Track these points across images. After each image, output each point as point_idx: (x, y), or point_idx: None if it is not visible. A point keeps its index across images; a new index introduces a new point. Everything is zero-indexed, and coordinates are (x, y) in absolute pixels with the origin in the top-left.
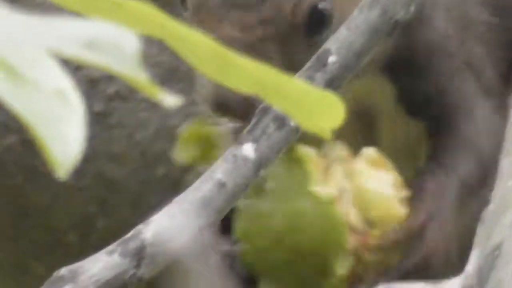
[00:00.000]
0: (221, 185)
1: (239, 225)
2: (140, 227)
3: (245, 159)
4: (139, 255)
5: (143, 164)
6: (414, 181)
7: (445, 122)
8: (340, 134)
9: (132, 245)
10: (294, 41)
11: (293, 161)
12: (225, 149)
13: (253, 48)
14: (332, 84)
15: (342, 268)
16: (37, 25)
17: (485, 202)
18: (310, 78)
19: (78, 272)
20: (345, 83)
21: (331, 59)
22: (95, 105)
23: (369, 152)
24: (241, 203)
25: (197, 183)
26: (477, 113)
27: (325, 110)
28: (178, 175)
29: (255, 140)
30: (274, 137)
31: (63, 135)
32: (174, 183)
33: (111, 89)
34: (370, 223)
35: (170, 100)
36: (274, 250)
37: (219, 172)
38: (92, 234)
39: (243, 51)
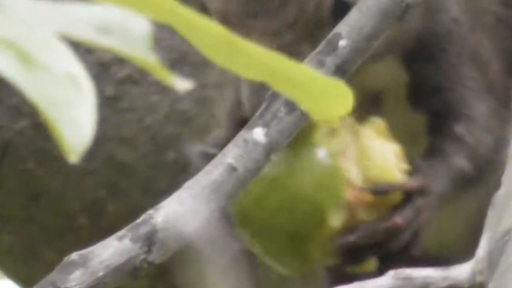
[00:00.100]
0: (232, 169)
1: None
2: (150, 212)
3: (256, 143)
4: (149, 240)
5: (153, 148)
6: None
7: (446, 119)
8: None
9: (143, 230)
10: (322, 36)
11: None
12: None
13: (285, 52)
14: (342, 68)
15: (335, 220)
16: (49, 10)
17: (495, 187)
18: (321, 62)
19: (89, 257)
20: (355, 67)
21: (342, 43)
22: (106, 89)
23: (377, 121)
24: None
25: (208, 168)
26: (478, 112)
27: (333, 97)
28: (188, 160)
29: (266, 125)
30: (285, 121)
31: (74, 119)
32: (185, 167)
33: (122, 73)
34: (369, 181)
35: (180, 84)
36: (269, 196)
37: (230, 156)
38: (102, 218)
39: None
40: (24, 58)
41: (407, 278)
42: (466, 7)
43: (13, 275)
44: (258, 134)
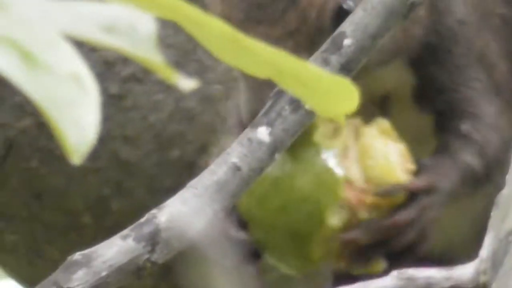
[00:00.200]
0: (236, 168)
1: None
2: (154, 211)
3: (260, 142)
4: (153, 239)
5: (157, 146)
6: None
7: (452, 118)
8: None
9: (146, 229)
10: (323, 43)
11: None
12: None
13: None
14: (347, 67)
15: (335, 219)
16: (54, 9)
17: (500, 187)
18: (325, 61)
19: (92, 256)
20: (360, 65)
21: (346, 41)
22: (110, 87)
23: (382, 122)
24: None
25: (212, 167)
26: (485, 111)
27: (339, 95)
28: (192, 158)
29: (270, 124)
30: (290, 120)
31: (78, 120)
32: (189, 165)
33: (126, 71)
34: (370, 180)
35: (185, 83)
36: (270, 196)
37: (234, 156)
38: (106, 216)
39: None
40: (27, 57)
41: (410, 279)
42: (473, 8)
43: (17, 274)
44: (263, 133)
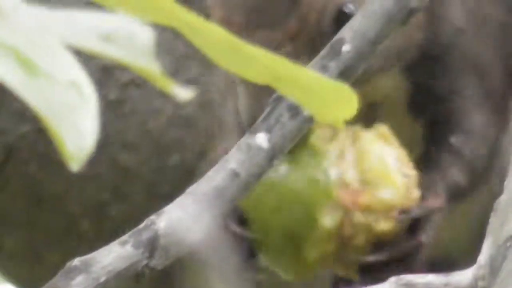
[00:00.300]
0: (235, 175)
1: None
2: (153, 217)
3: (259, 148)
4: (152, 246)
5: (156, 152)
6: None
7: (444, 130)
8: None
9: (145, 235)
10: (324, 47)
11: None
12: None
13: None
14: (346, 73)
15: (327, 219)
16: (53, 18)
17: (498, 193)
18: (324, 67)
19: (91, 262)
20: (359, 72)
21: (345, 47)
22: (109, 93)
23: (381, 127)
24: None
25: (210, 173)
26: (475, 123)
27: (338, 101)
28: (191, 164)
29: (269, 130)
30: (288, 126)
31: (77, 127)
32: (188, 172)
33: (125, 77)
34: (365, 183)
35: (182, 92)
36: (266, 198)
37: (232, 161)
38: (105, 222)
39: None
40: (27, 64)
41: (408, 284)
42: (470, 15)
43: (16, 279)
44: (261, 139)
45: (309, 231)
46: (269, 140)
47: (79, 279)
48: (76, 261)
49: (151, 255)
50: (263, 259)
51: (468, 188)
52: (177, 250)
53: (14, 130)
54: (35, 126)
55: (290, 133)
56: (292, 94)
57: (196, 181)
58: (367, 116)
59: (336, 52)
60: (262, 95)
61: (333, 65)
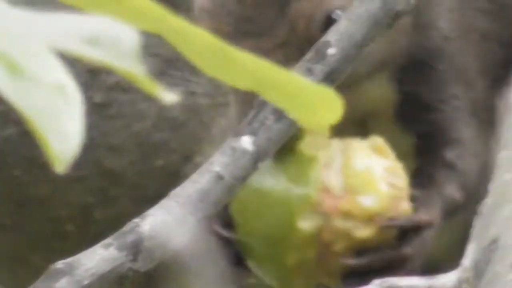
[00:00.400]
0: (219, 177)
1: None
2: (137, 220)
3: (244, 151)
4: (136, 248)
5: (142, 155)
6: None
7: (436, 143)
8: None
9: (129, 238)
10: None
11: None
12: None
13: None
14: (331, 76)
15: (306, 225)
16: (38, 20)
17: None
18: (309, 70)
19: (74, 265)
20: (344, 75)
21: (331, 51)
22: (95, 96)
23: (377, 139)
24: None
25: (194, 176)
26: (466, 136)
27: (323, 106)
28: (176, 166)
29: (254, 133)
30: (273, 129)
31: (62, 129)
32: (173, 174)
33: (111, 80)
34: (348, 189)
35: (167, 95)
36: (248, 202)
37: (217, 165)
38: (90, 225)
39: None
40: (13, 67)
41: (392, 287)
42: (456, 24)
43: (0, 282)
44: (246, 142)
45: (289, 236)
46: (254, 143)
47: (63, 281)
48: (60, 264)
49: (135, 258)
50: (249, 264)
51: (462, 203)
52: (161, 253)
53: None
54: (20, 129)
55: (275, 136)
56: (276, 99)
57: (181, 184)
58: (358, 129)
59: (321, 55)
60: (251, 101)
61: (319, 68)
